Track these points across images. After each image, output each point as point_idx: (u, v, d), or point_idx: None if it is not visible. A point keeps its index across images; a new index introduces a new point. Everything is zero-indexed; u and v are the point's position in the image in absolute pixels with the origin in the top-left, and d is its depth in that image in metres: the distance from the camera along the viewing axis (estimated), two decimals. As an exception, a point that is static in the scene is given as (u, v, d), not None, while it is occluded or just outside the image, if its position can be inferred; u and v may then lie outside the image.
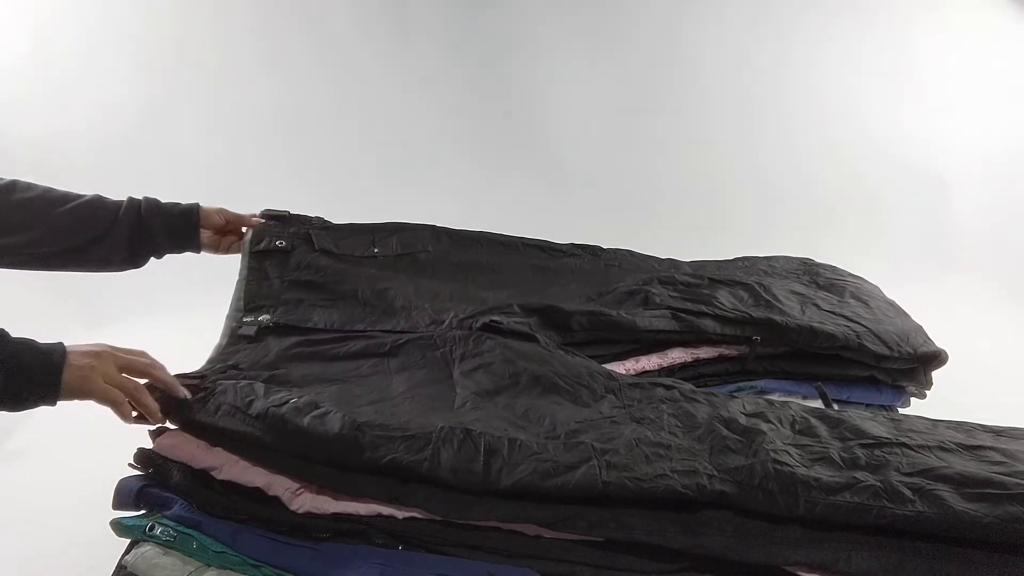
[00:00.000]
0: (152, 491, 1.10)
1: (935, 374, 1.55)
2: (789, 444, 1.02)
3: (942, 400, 1.58)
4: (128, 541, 1.11)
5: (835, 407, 1.29)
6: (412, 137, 2.91)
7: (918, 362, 1.49)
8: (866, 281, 1.77)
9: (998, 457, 1.03)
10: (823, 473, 0.95)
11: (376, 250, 1.54)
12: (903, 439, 1.05)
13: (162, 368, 1.10)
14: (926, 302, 1.99)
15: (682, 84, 2.96)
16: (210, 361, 1.26)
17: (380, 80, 2.91)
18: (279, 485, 1.03)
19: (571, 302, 1.46)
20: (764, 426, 1.06)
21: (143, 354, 1.10)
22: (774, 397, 1.50)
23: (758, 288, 1.57)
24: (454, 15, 2.91)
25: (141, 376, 1.07)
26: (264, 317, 1.35)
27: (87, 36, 2.66)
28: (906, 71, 2.84)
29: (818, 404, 1.49)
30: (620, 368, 1.46)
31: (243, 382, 1.13)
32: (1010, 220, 2.62)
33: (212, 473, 1.06)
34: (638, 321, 1.42)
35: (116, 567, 1.09)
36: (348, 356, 1.29)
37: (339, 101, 2.90)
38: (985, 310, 2.32)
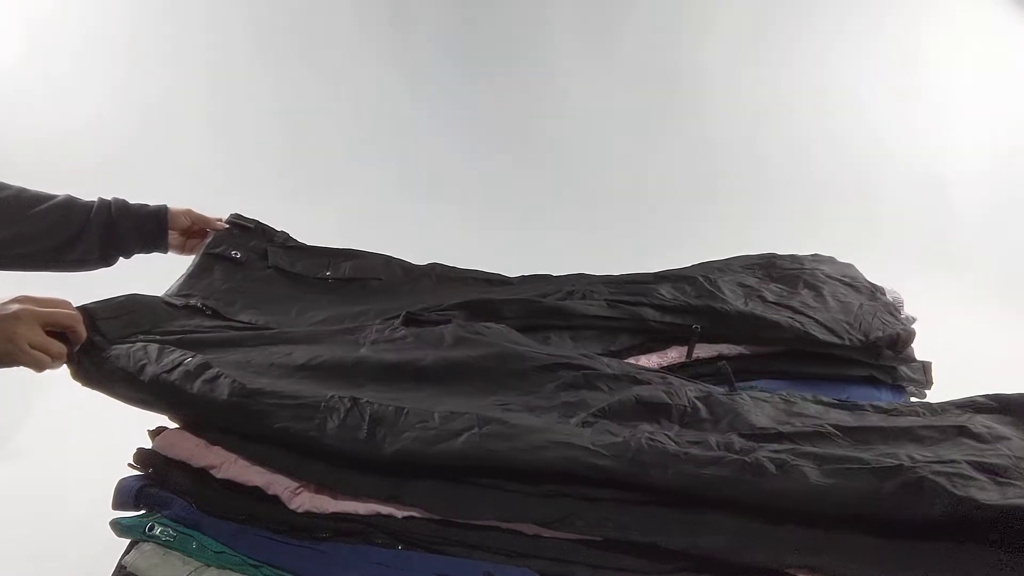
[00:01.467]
0: (152, 491, 1.11)
1: (935, 375, 1.55)
2: (669, 433, 1.04)
3: (942, 400, 1.58)
4: (128, 541, 1.11)
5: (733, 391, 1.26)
6: (411, 138, 2.91)
7: (877, 348, 1.44)
8: (833, 262, 1.71)
9: (875, 438, 1.05)
10: (694, 450, 0.97)
11: (328, 273, 1.55)
12: (784, 428, 1.06)
13: (79, 319, 1.10)
14: (924, 302, 1.99)
15: (685, 82, 2.96)
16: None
17: (380, 81, 2.91)
18: (278, 484, 1.03)
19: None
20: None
21: (64, 304, 1.09)
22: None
23: (702, 280, 1.55)
24: (454, 15, 2.91)
25: (64, 330, 1.07)
26: (194, 300, 1.35)
27: (85, 37, 2.66)
28: (905, 70, 2.85)
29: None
30: (619, 368, 1.46)
31: (137, 345, 1.12)
32: (1010, 220, 2.62)
33: (211, 472, 1.06)
34: (571, 306, 1.42)
35: (116, 567, 1.09)
36: (257, 339, 1.28)
37: (339, 102, 2.90)
38: (982, 310, 2.32)
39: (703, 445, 0.99)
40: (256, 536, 1.03)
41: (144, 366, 1.06)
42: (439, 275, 1.63)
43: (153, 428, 1.18)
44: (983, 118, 2.76)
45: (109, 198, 1.36)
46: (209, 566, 1.04)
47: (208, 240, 1.48)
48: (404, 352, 1.20)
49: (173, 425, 1.15)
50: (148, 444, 1.16)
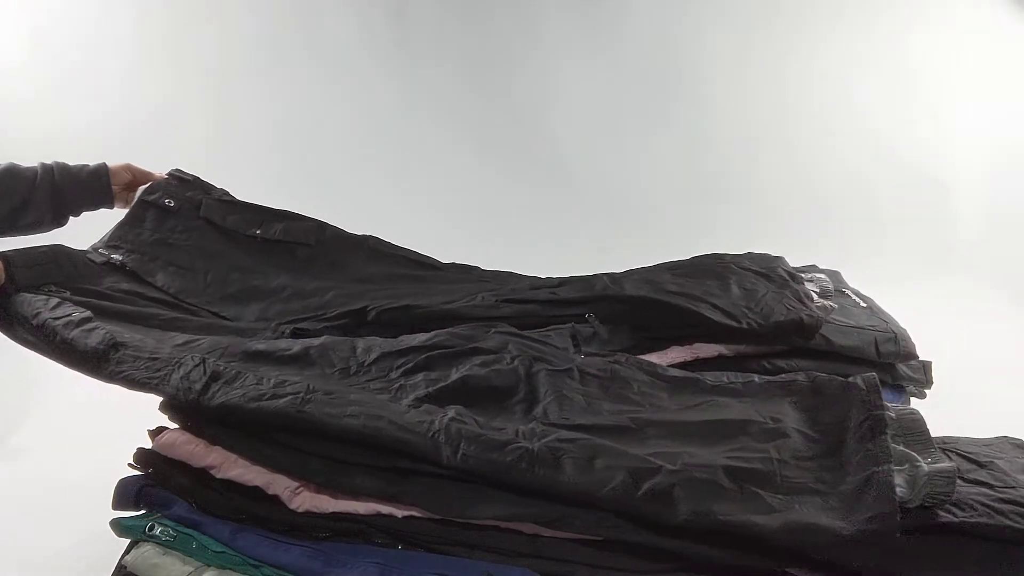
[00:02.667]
0: (152, 491, 1.11)
1: (935, 375, 1.55)
2: (479, 417, 1.07)
3: (942, 400, 1.58)
4: (128, 541, 1.11)
5: (582, 353, 1.29)
6: (411, 139, 2.91)
7: (782, 331, 1.44)
8: (760, 257, 1.69)
9: (654, 432, 1.07)
10: (492, 434, 1.01)
11: (258, 232, 1.57)
12: (584, 419, 1.08)
13: None
14: (923, 302, 1.99)
15: (681, 84, 2.96)
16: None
17: (379, 83, 2.91)
18: (278, 484, 1.03)
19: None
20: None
21: None
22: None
23: (606, 279, 1.56)
24: (454, 18, 2.91)
25: None
26: (116, 256, 1.41)
27: (87, 38, 2.66)
28: (904, 70, 2.84)
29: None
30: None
31: (40, 296, 1.19)
32: (1008, 221, 2.62)
33: (211, 472, 1.06)
34: (455, 309, 1.44)
35: (116, 567, 1.09)
36: (156, 319, 1.32)
37: (338, 103, 2.90)
38: (982, 310, 2.31)
39: (503, 431, 1.02)
40: (256, 536, 1.04)
41: (39, 312, 1.14)
42: (371, 249, 1.64)
43: (153, 428, 1.18)
44: (983, 118, 2.76)
45: (50, 162, 1.41)
46: (209, 566, 1.04)
47: (144, 187, 1.52)
48: (275, 343, 1.26)
49: (173, 425, 1.15)
50: (148, 444, 1.16)
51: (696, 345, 1.50)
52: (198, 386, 1.03)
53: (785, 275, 1.59)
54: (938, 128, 2.83)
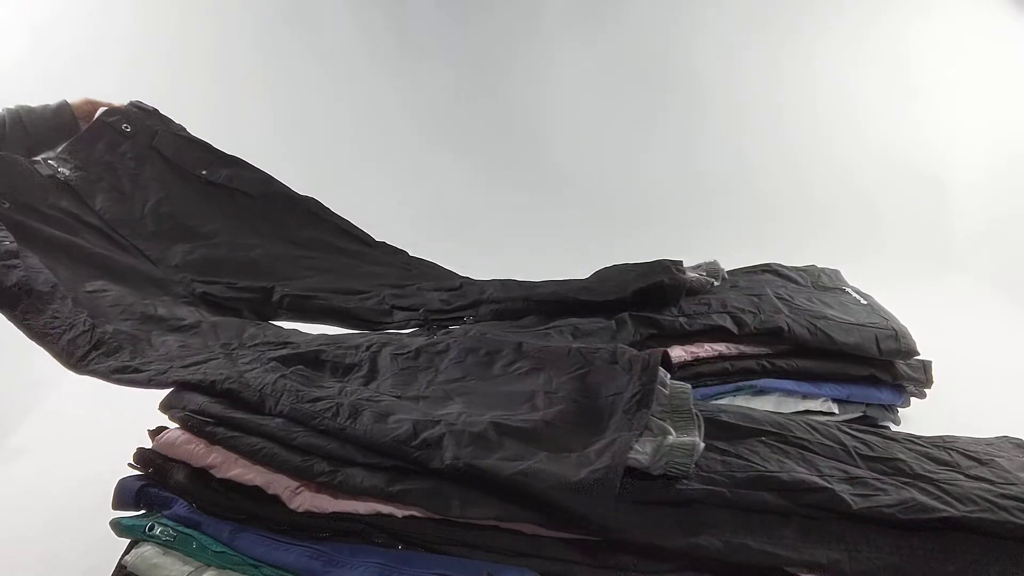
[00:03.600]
0: (152, 491, 1.11)
1: (935, 375, 1.55)
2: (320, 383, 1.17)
3: (942, 400, 1.58)
4: (128, 541, 1.11)
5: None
6: (412, 140, 2.91)
7: (643, 295, 1.53)
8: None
9: (458, 393, 1.17)
10: (313, 391, 1.11)
11: (204, 173, 1.61)
12: (413, 392, 1.17)
13: None
14: (922, 303, 1.99)
15: (676, 85, 2.95)
16: None
17: (378, 83, 2.91)
18: (278, 484, 1.03)
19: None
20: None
21: None
22: (772, 397, 1.51)
23: (476, 284, 1.63)
24: (452, 18, 2.90)
25: None
26: (63, 170, 1.47)
27: (87, 37, 2.66)
28: (903, 70, 2.83)
29: (815, 405, 1.50)
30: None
31: None
32: (1007, 221, 2.61)
33: (211, 472, 1.06)
34: (352, 308, 1.52)
35: (116, 567, 1.09)
36: (82, 251, 1.38)
37: (337, 104, 2.90)
38: (981, 311, 2.31)
39: (326, 389, 1.13)
40: (256, 536, 1.03)
41: None
42: (311, 212, 1.68)
43: (153, 428, 1.18)
44: (981, 118, 2.75)
45: (13, 107, 1.47)
46: (209, 566, 1.04)
47: (105, 108, 1.57)
48: (175, 309, 1.37)
49: (173, 425, 1.15)
50: (148, 444, 1.16)
51: (696, 345, 1.50)
52: (79, 352, 1.17)
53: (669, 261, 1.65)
54: (937, 128, 2.83)
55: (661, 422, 1.05)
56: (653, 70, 2.94)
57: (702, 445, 1.02)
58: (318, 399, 1.09)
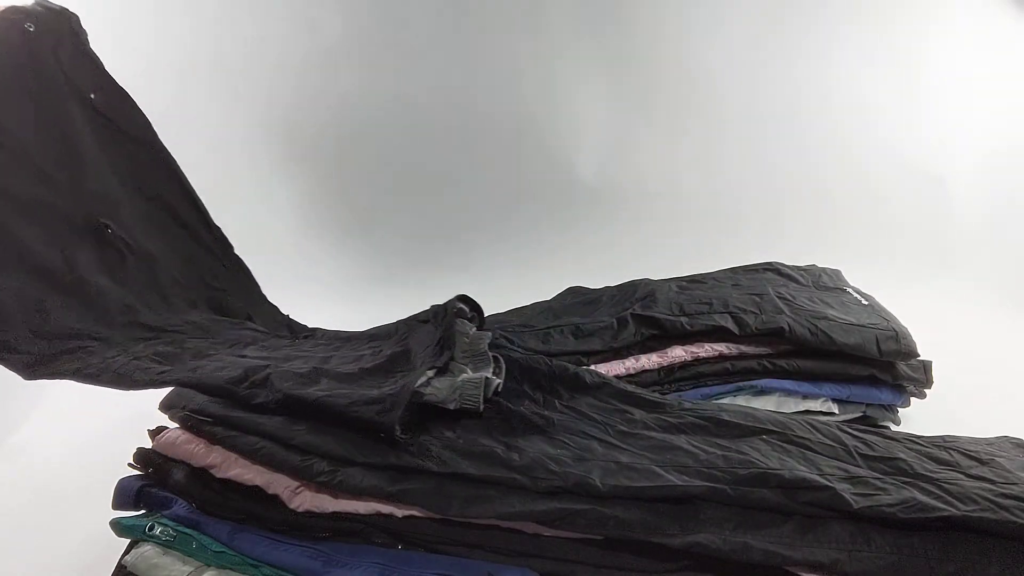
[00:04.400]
0: (152, 491, 1.11)
1: (935, 375, 1.55)
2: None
3: (942, 400, 1.58)
4: (128, 541, 1.11)
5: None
6: (411, 141, 2.91)
7: None
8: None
9: (370, 378, 1.20)
10: (300, 368, 1.16)
11: (93, 96, 1.52)
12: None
13: None
14: (923, 302, 1.99)
15: (691, 87, 2.95)
16: None
17: (379, 83, 2.91)
18: (278, 483, 1.03)
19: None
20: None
21: None
22: (773, 397, 1.51)
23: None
24: (451, 19, 2.90)
25: None
26: None
27: (96, 38, 2.66)
28: (906, 70, 2.83)
29: (815, 405, 1.50)
30: (620, 367, 1.47)
31: None
32: (1011, 221, 2.61)
33: (211, 471, 1.06)
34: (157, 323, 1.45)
35: (116, 567, 1.09)
36: None
37: (337, 102, 2.90)
38: (982, 310, 2.31)
39: (303, 362, 1.21)
40: (255, 535, 1.03)
41: None
42: (180, 182, 1.62)
43: (153, 428, 1.18)
44: (985, 118, 2.76)
45: None
46: (209, 566, 1.04)
47: (9, 7, 1.45)
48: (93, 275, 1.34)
49: (173, 425, 1.15)
50: (148, 444, 1.16)
51: (697, 345, 1.50)
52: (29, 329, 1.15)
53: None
54: (941, 128, 2.83)
55: (462, 365, 1.17)
56: (669, 75, 2.94)
57: (497, 381, 1.13)
58: (292, 377, 1.14)
